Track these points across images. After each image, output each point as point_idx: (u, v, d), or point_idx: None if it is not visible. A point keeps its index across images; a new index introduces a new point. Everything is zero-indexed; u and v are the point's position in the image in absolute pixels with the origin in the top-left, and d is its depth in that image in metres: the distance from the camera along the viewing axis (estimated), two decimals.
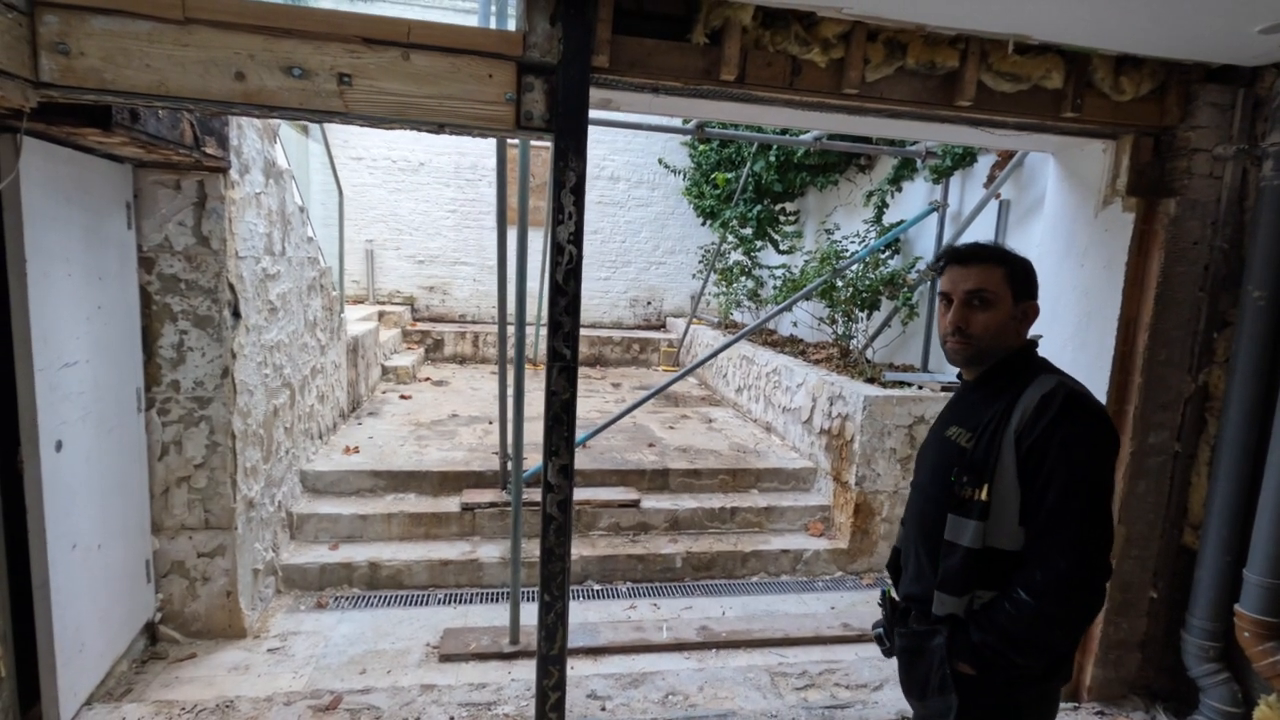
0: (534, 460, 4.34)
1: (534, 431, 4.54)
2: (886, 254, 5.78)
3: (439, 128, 2.08)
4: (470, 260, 9.48)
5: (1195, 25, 2.14)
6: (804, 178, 7.16)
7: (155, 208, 2.97)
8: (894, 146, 5.53)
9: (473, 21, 4.79)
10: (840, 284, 5.60)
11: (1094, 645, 2.86)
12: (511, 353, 3.36)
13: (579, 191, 2.08)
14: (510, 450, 3.57)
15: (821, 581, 4.38)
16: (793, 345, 6.70)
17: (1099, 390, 2.74)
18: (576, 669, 3.21)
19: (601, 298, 9.99)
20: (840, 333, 5.86)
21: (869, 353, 5.71)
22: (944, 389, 4.55)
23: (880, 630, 1.73)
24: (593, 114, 2.22)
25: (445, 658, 3.29)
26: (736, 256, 8.06)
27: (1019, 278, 1.53)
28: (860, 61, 2.26)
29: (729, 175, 7.50)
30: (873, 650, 3.29)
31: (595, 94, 2.29)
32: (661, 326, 10.20)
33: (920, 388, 4.62)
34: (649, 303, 10.20)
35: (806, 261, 6.41)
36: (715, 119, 2.95)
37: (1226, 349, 2.65)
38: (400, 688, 2.90)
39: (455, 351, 8.83)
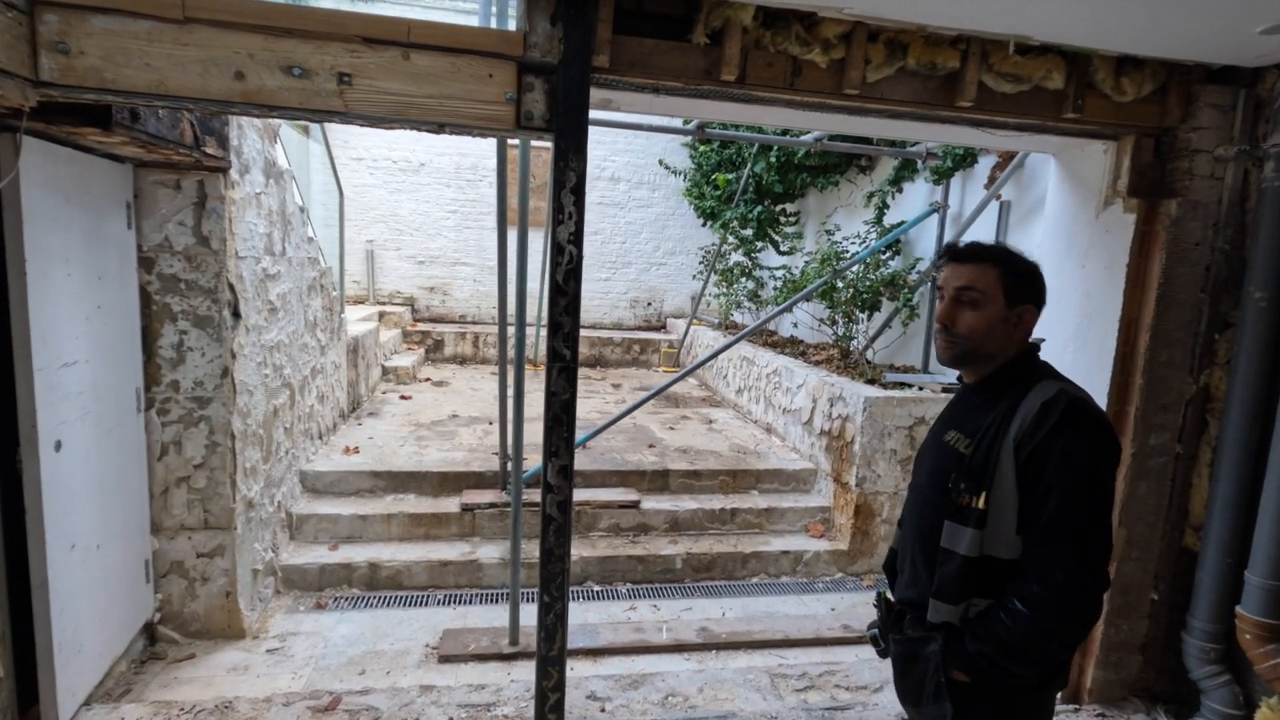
0: (534, 461, 4.33)
1: (534, 432, 4.53)
2: (887, 255, 5.78)
3: (439, 127, 2.07)
4: (471, 261, 9.49)
5: (1196, 26, 2.14)
6: (804, 179, 7.16)
7: (155, 207, 2.97)
8: (895, 147, 5.53)
9: (473, 21, 4.79)
10: (841, 285, 5.60)
11: (1095, 647, 2.85)
12: (511, 353, 3.36)
13: (579, 191, 2.07)
14: (510, 451, 3.57)
15: (822, 583, 4.37)
16: (793, 346, 6.70)
17: (1100, 391, 2.74)
18: (576, 670, 3.21)
19: (602, 299, 9.99)
20: (841, 334, 5.86)
21: (869, 354, 5.71)
22: (944, 390, 4.55)
23: (875, 631, 1.72)
24: (593, 114, 2.22)
25: (444, 658, 3.29)
26: (737, 257, 8.06)
27: (1015, 280, 1.49)
28: (861, 62, 2.26)
29: (729, 176, 7.50)
30: (873, 652, 3.28)
31: (595, 94, 2.29)
32: (662, 327, 10.20)
33: (921, 389, 4.61)
34: (649, 304, 10.20)
35: (807, 263, 6.41)
36: (716, 119, 2.95)
37: (1228, 350, 2.65)
38: (399, 688, 2.89)
39: (455, 352, 8.83)
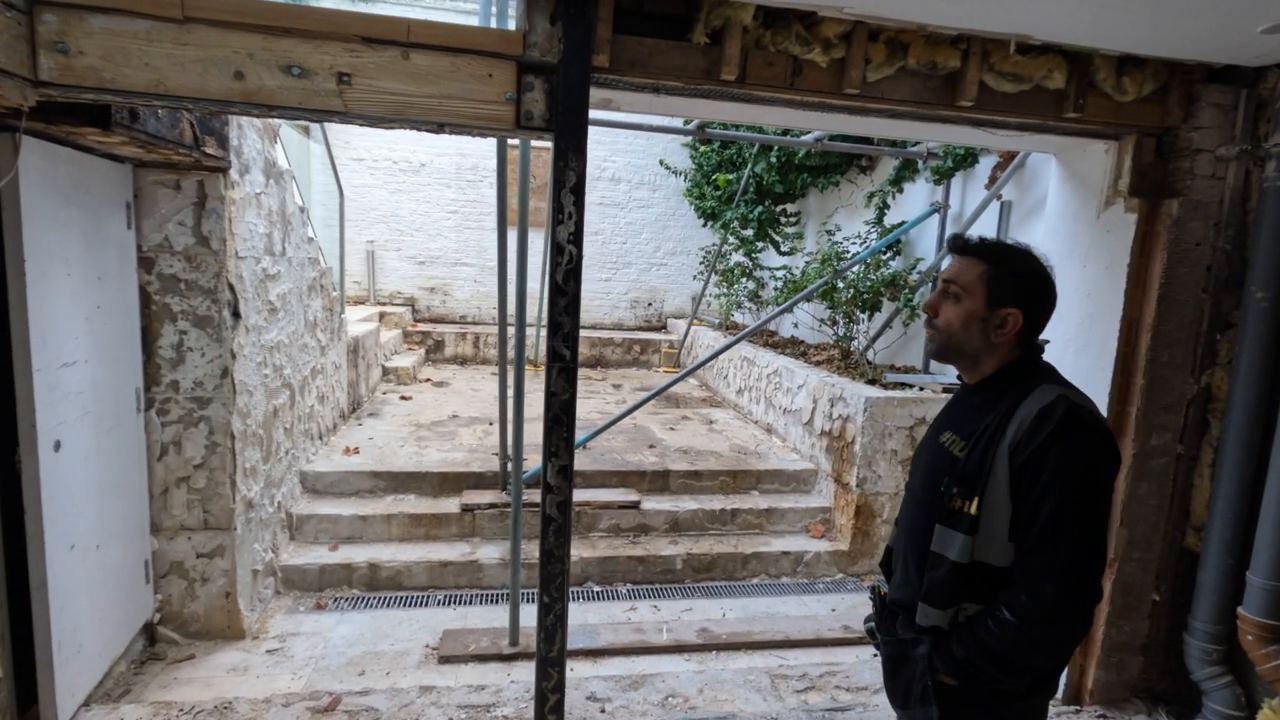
0: (534, 461, 4.33)
1: (534, 432, 4.53)
2: (888, 255, 5.78)
3: (439, 127, 2.07)
4: (471, 261, 9.49)
5: (1197, 25, 2.14)
6: (805, 179, 7.15)
7: (155, 207, 2.97)
8: (895, 147, 5.52)
9: (473, 21, 4.79)
10: (841, 285, 5.59)
11: (1096, 648, 2.84)
12: (511, 354, 3.35)
13: (579, 191, 2.07)
14: (510, 451, 3.56)
15: (822, 583, 4.36)
16: (794, 346, 6.69)
17: (1101, 392, 2.73)
18: (576, 671, 3.20)
19: (602, 299, 9.99)
20: (841, 334, 5.85)
21: (870, 354, 5.70)
22: (945, 390, 4.54)
23: (871, 625, 1.71)
24: (593, 114, 2.22)
25: (444, 659, 3.28)
26: (737, 258, 8.05)
27: (1000, 281, 1.44)
28: (861, 61, 2.25)
29: (730, 176, 7.50)
30: (873, 653, 3.28)
31: (595, 94, 2.28)
32: (662, 328, 10.19)
33: (921, 389, 4.61)
34: (650, 304, 10.20)
35: (807, 263, 6.40)
36: (716, 119, 2.94)
37: (1229, 350, 2.64)
38: (399, 689, 2.89)
39: (456, 352, 8.83)
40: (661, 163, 8.94)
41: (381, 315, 8.14)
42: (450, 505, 4.34)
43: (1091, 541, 1.32)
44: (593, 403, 6.84)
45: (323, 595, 3.82)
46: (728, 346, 5.63)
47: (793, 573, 4.42)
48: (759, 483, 4.97)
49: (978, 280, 1.45)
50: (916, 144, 5.35)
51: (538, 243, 7.79)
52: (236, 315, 3.16)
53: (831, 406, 4.74)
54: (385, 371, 7.18)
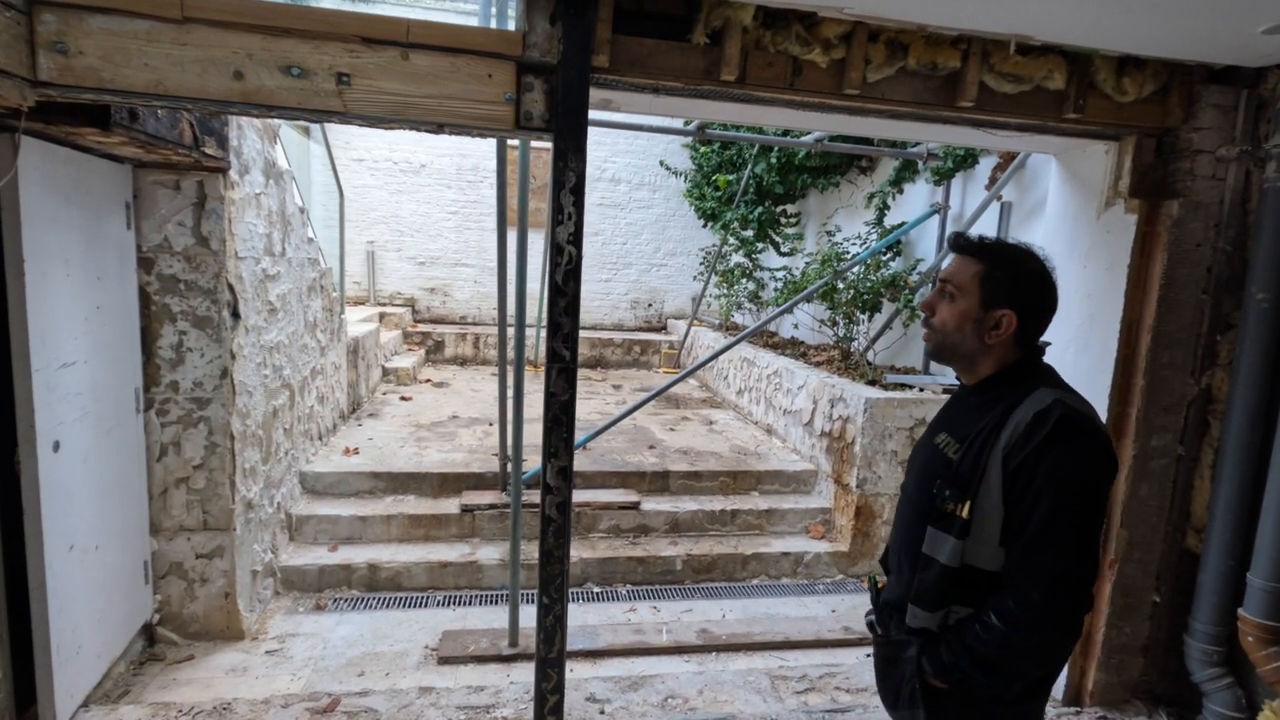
0: (534, 462, 4.32)
1: (534, 433, 4.52)
2: (888, 256, 5.77)
3: (438, 128, 2.07)
4: (471, 262, 9.49)
5: (1198, 26, 2.13)
6: (805, 179, 7.15)
7: (155, 208, 2.97)
8: (895, 148, 5.52)
9: (473, 21, 4.79)
10: (841, 286, 5.59)
11: (1096, 649, 2.84)
12: (511, 354, 3.35)
13: (579, 192, 2.07)
14: (510, 452, 3.56)
15: (822, 584, 4.36)
16: (794, 347, 6.69)
17: (1101, 393, 2.73)
18: (576, 672, 3.20)
19: (603, 299, 9.99)
20: (841, 335, 5.85)
21: (870, 355, 5.70)
22: (945, 391, 4.54)
23: (872, 618, 1.69)
24: (593, 114, 2.21)
25: (444, 660, 3.28)
26: (737, 258, 8.05)
27: (994, 282, 1.41)
28: (861, 62, 2.25)
29: (730, 177, 7.50)
30: (868, 652, 3.28)
31: (595, 94, 2.28)
32: (662, 328, 10.19)
33: (922, 390, 4.60)
34: (650, 305, 10.20)
35: (808, 263, 6.40)
36: (716, 120, 2.94)
37: (1230, 351, 2.64)
38: (398, 690, 2.89)
39: (456, 353, 8.82)
40: (662, 163, 8.94)
41: (381, 316, 8.14)
42: (450, 506, 4.34)
43: (1083, 550, 1.30)
44: (593, 403, 6.84)
45: (322, 596, 3.82)
46: (728, 347, 5.63)
47: (793, 574, 4.42)
48: (759, 483, 4.97)
49: (972, 280, 1.43)
50: (916, 145, 5.34)
51: (538, 243, 7.79)
52: (236, 316, 3.16)
53: (831, 407, 4.74)
54: (385, 372, 7.18)
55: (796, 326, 7.44)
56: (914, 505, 1.51)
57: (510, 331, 3.41)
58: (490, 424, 5.64)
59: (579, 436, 4.66)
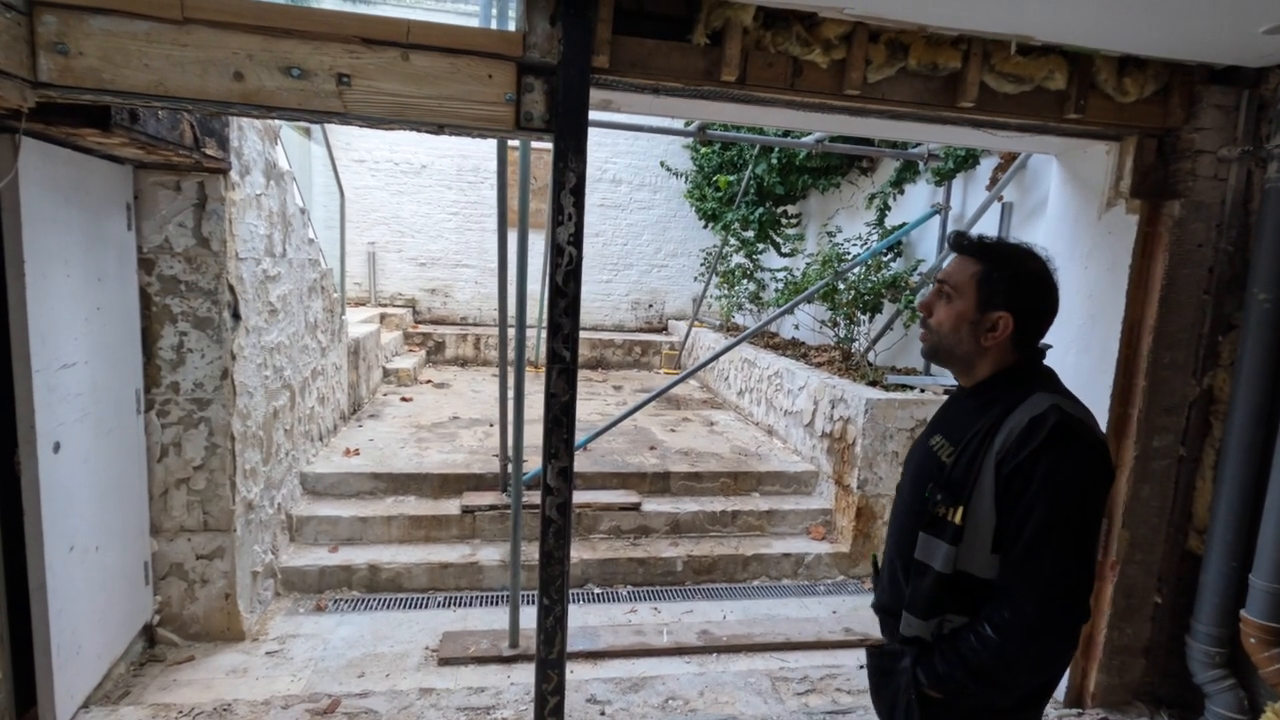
0: (534, 463, 4.32)
1: (534, 434, 4.52)
2: (888, 257, 5.77)
3: (439, 128, 2.07)
4: (472, 263, 9.49)
5: (1199, 26, 2.13)
6: (806, 180, 7.15)
7: (155, 209, 2.97)
8: (896, 149, 5.52)
9: (473, 22, 4.79)
10: (842, 287, 5.59)
11: (1098, 651, 2.83)
12: (512, 355, 3.35)
13: (579, 192, 2.06)
14: (510, 453, 3.56)
15: (823, 585, 4.35)
16: (794, 348, 6.68)
17: (1103, 393, 2.73)
18: (576, 673, 3.20)
19: (603, 300, 9.99)
20: (842, 336, 5.85)
21: (871, 356, 5.69)
22: (945, 392, 4.53)
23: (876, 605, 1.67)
24: (593, 115, 2.21)
25: (444, 661, 3.27)
26: (738, 259, 8.05)
27: (992, 283, 1.38)
28: (862, 62, 2.25)
29: (731, 178, 7.50)
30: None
31: (595, 94, 2.28)
32: (663, 329, 10.19)
33: (923, 391, 4.60)
34: (651, 305, 10.20)
35: (808, 264, 6.40)
36: (716, 120, 2.94)
37: (1231, 352, 2.63)
38: (399, 691, 2.88)
39: (456, 354, 8.82)
40: (662, 164, 8.94)
41: (382, 317, 8.14)
42: (450, 507, 4.34)
43: (1079, 559, 1.27)
44: (593, 404, 6.84)
45: (322, 597, 3.82)
46: (728, 348, 5.62)
47: (793, 575, 4.41)
48: (760, 484, 4.96)
49: (970, 281, 1.40)
50: (917, 145, 5.34)
51: (538, 244, 7.79)
52: (237, 316, 3.16)
53: (832, 408, 4.73)
54: (386, 373, 7.18)
55: (797, 327, 7.44)
56: (908, 509, 1.49)
57: (511, 332, 3.41)
58: (491, 425, 5.64)
59: (579, 437, 4.65)
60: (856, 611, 4.01)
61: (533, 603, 2.38)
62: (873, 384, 4.76)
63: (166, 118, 2.51)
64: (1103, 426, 2.71)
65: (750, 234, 7.63)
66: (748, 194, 7.33)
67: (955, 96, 2.36)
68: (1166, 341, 2.64)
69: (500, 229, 3.50)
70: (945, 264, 1.47)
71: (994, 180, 4.77)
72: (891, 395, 4.41)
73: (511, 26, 2.79)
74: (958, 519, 1.32)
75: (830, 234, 6.81)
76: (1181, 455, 2.73)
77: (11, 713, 2.37)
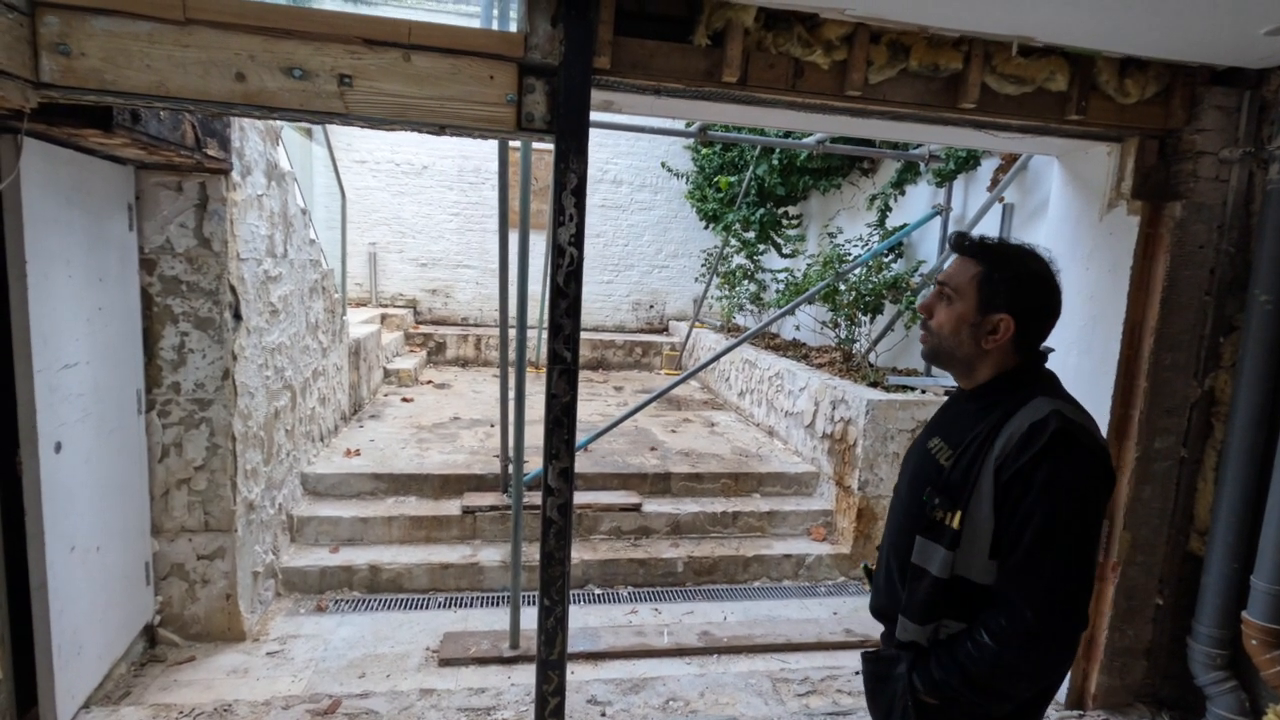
0: (535, 464, 4.32)
1: (535, 435, 4.52)
2: (889, 258, 5.77)
3: (440, 129, 2.07)
4: (473, 263, 9.49)
5: (1201, 28, 2.13)
6: (807, 181, 7.15)
7: (157, 209, 2.97)
8: (897, 150, 5.52)
9: (474, 23, 4.79)
10: (843, 288, 5.59)
11: (1099, 652, 2.83)
12: (513, 356, 3.35)
13: (580, 193, 2.06)
14: (511, 454, 3.56)
15: (824, 586, 4.35)
16: (795, 349, 6.68)
17: (1104, 395, 2.73)
18: (577, 674, 3.20)
19: (604, 301, 9.99)
20: (843, 337, 5.84)
21: (872, 357, 5.69)
22: (946, 393, 4.53)
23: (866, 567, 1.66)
24: (594, 116, 2.22)
25: (445, 662, 3.27)
26: (739, 260, 8.05)
27: (993, 284, 1.36)
28: (863, 63, 2.25)
29: (732, 179, 7.50)
30: None
31: (597, 95, 2.28)
32: (664, 330, 10.19)
33: (924, 392, 4.60)
34: (651, 306, 10.20)
35: (809, 265, 6.39)
36: (718, 121, 2.94)
37: (1233, 353, 2.63)
38: (399, 692, 2.88)
39: (457, 354, 8.83)
40: (663, 165, 8.95)
41: (383, 317, 8.15)
42: (451, 507, 4.34)
43: (1078, 567, 1.26)
44: (594, 405, 6.84)
45: (323, 597, 3.82)
46: (729, 349, 5.62)
47: (794, 576, 4.41)
48: (760, 485, 4.96)
49: (971, 282, 1.38)
50: (918, 146, 5.34)
51: (539, 245, 7.80)
52: (238, 317, 3.16)
53: (833, 409, 4.73)
54: (387, 373, 7.18)
55: (798, 328, 7.44)
56: (905, 512, 1.47)
57: (512, 333, 3.41)
58: (492, 425, 5.64)
59: (580, 438, 4.65)
60: (857, 613, 4.00)
61: (533, 603, 2.39)
62: (874, 385, 4.76)
63: (168, 118, 2.51)
64: (1104, 428, 2.71)
65: (751, 235, 7.63)
66: (749, 195, 7.33)
67: (956, 98, 2.36)
68: (1168, 343, 2.64)
69: (501, 230, 3.50)
70: (946, 265, 1.46)
71: (995, 181, 4.77)
72: (892, 396, 4.41)
73: (513, 27, 2.80)
74: (956, 524, 1.31)
75: (831, 235, 6.81)
76: (1183, 457, 2.73)
77: (12, 713, 2.38)
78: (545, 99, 2.07)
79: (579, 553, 4.20)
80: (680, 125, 6.35)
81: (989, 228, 4.72)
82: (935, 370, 5.16)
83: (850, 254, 5.90)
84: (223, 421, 3.12)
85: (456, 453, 4.97)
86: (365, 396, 6.25)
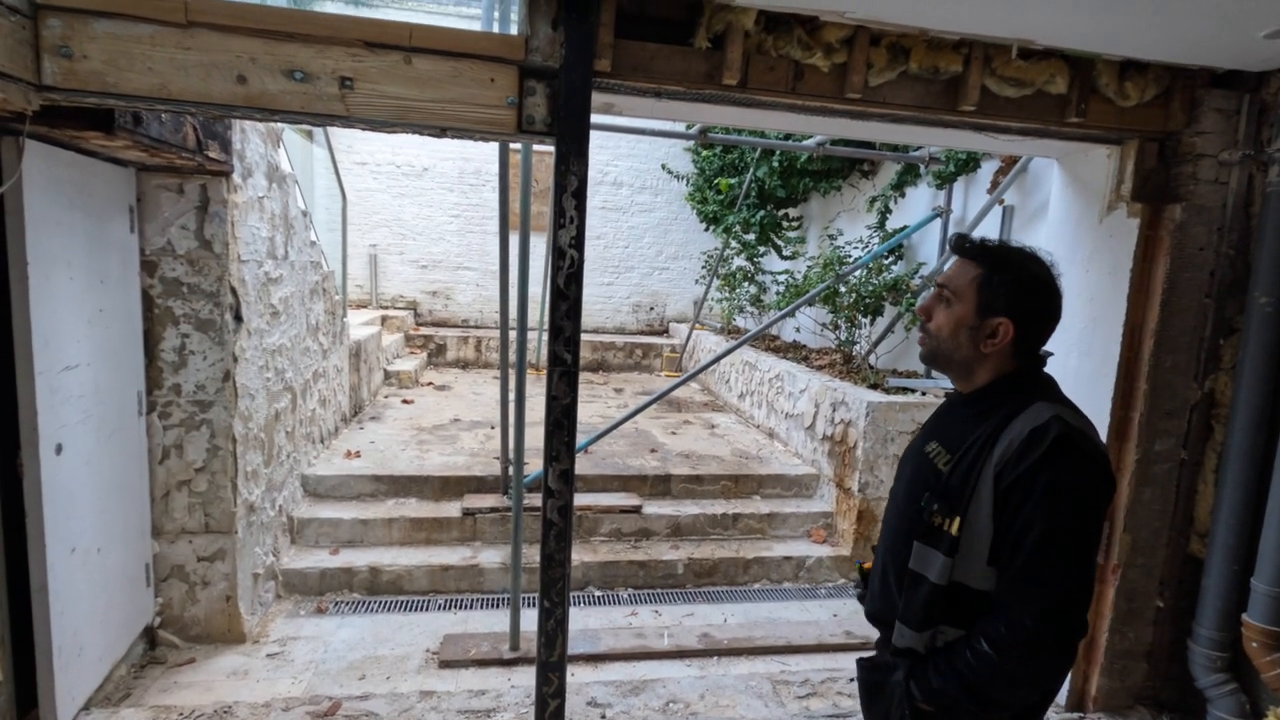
0: (535, 465, 4.32)
1: (535, 437, 4.51)
2: (890, 260, 5.77)
3: (441, 131, 2.07)
4: (473, 265, 9.50)
5: (1200, 30, 2.13)
6: (807, 183, 7.16)
7: (158, 211, 2.97)
8: (897, 152, 5.52)
9: (475, 26, 4.80)
10: (843, 290, 5.59)
11: (1099, 654, 2.83)
12: (513, 358, 3.35)
13: (581, 195, 2.07)
14: (511, 455, 3.56)
15: (824, 588, 4.35)
16: (795, 351, 6.69)
17: (1104, 397, 2.73)
18: (577, 676, 3.19)
19: (604, 303, 9.99)
20: (843, 339, 5.84)
21: (872, 359, 5.69)
22: (946, 395, 4.53)
23: (860, 592, 1.64)
24: (595, 118, 2.22)
25: (445, 664, 3.27)
26: (739, 262, 8.06)
27: (992, 287, 1.34)
28: (863, 66, 2.25)
29: (732, 181, 7.51)
30: None
31: (597, 98, 2.28)
32: (664, 332, 10.19)
33: (924, 394, 4.60)
34: (652, 308, 10.20)
35: (809, 267, 6.40)
36: (718, 124, 2.94)
37: (1233, 355, 2.63)
38: (399, 694, 2.88)
39: (458, 356, 8.83)
40: (664, 167, 8.96)
41: (384, 319, 8.15)
42: (451, 509, 4.34)
43: (1078, 574, 1.24)
44: (594, 407, 6.84)
45: (323, 599, 3.82)
46: (730, 351, 5.62)
47: (794, 578, 4.41)
48: (761, 487, 4.96)
49: (970, 285, 1.36)
50: (918, 149, 5.35)
51: (540, 247, 7.80)
52: (239, 319, 3.16)
53: (833, 411, 4.73)
54: (387, 375, 7.18)
55: (799, 330, 7.44)
56: (902, 516, 1.46)
57: (512, 335, 3.41)
58: (492, 427, 5.64)
59: (580, 440, 4.65)
60: (857, 615, 4.00)
61: (533, 605, 2.39)
62: (874, 387, 4.76)
63: (170, 121, 2.52)
64: (1104, 430, 2.71)
65: (751, 237, 7.64)
66: (749, 197, 7.34)
67: (956, 100, 2.36)
68: (1168, 345, 2.64)
69: (502, 232, 3.50)
70: (946, 267, 1.45)
71: (995, 183, 4.77)
72: (893, 398, 4.41)
73: (514, 30, 2.80)
74: (954, 529, 1.29)
75: (831, 237, 6.81)
76: (1183, 459, 2.73)
77: (13, 714, 2.38)
78: (546, 101, 2.07)
79: (579, 555, 4.20)
80: (680, 127, 6.36)
81: (989, 230, 4.72)
82: (935, 372, 5.16)
83: (850, 256, 5.91)
84: (223, 423, 3.12)
85: (457, 454, 4.97)
86: (366, 398, 6.25)
